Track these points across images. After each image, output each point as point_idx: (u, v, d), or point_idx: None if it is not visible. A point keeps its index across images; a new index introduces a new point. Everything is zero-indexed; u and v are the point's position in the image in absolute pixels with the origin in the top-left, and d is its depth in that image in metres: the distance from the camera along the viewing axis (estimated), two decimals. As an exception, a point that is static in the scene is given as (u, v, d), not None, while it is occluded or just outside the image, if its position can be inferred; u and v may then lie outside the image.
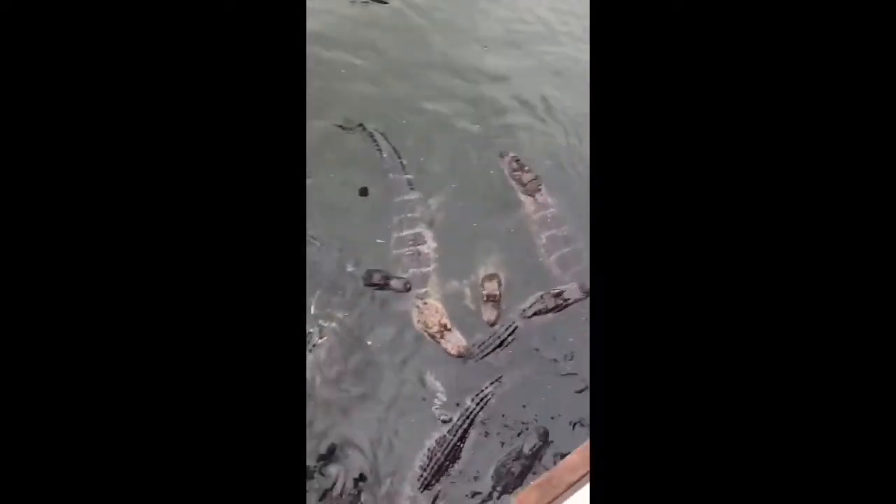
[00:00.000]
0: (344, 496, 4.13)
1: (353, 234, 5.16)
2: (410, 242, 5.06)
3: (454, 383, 4.57)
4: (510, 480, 4.20)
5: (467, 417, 4.39)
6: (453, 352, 4.61)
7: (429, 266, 5.00)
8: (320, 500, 4.13)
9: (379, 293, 4.88)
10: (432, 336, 4.68)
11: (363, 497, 4.16)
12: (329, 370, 4.59)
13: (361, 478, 4.23)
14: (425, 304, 4.79)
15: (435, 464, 4.22)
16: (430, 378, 4.54)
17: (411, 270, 4.95)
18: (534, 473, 4.25)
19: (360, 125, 5.81)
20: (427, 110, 6.01)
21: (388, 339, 4.73)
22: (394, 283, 4.88)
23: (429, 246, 5.08)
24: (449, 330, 4.67)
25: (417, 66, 6.37)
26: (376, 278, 4.88)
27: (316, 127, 5.53)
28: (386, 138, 5.69)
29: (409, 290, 4.86)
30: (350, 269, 4.97)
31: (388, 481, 4.21)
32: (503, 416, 4.47)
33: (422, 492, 4.15)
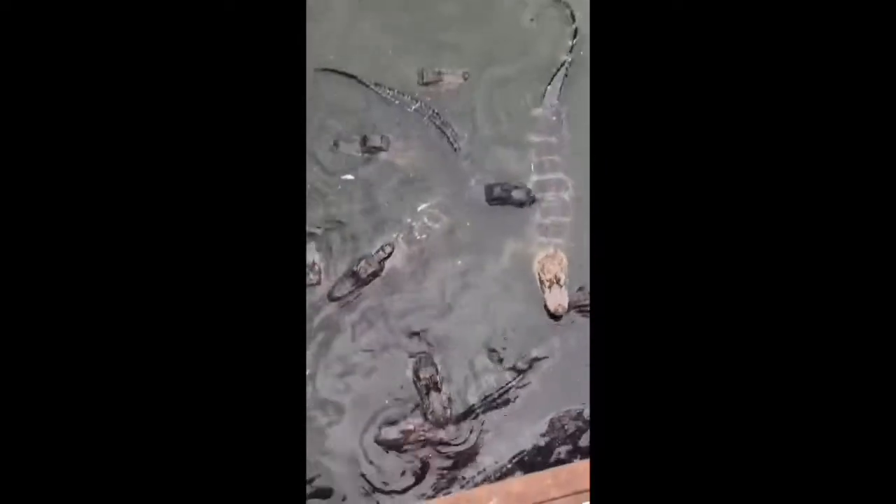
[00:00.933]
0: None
1: (492, 147, 5.02)
2: (553, 188, 4.87)
3: (526, 332, 4.59)
4: (560, 435, 4.19)
5: (529, 366, 4.32)
6: (550, 306, 4.57)
7: (568, 216, 4.84)
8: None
9: (498, 221, 4.82)
10: (541, 282, 4.61)
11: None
12: (416, 263, 4.72)
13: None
14: (555, 252, 4.69)
15: (487, 399, 4.18)
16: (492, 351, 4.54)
17: (552, 218, 4.81)
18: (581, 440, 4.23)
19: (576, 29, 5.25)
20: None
21: (478, 268, 4.74)
22: (515, 193, 4.76)
23: (570, 195, 4.87)
24: (560, 286, 4.56)
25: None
26: (497, 191, 4.78)
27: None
28: (566, 72, 5.19)
29: (533, 201, 4.78)
30: (473, 183, 4.88)
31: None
32: (569, 375, 4.49)
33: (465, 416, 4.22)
